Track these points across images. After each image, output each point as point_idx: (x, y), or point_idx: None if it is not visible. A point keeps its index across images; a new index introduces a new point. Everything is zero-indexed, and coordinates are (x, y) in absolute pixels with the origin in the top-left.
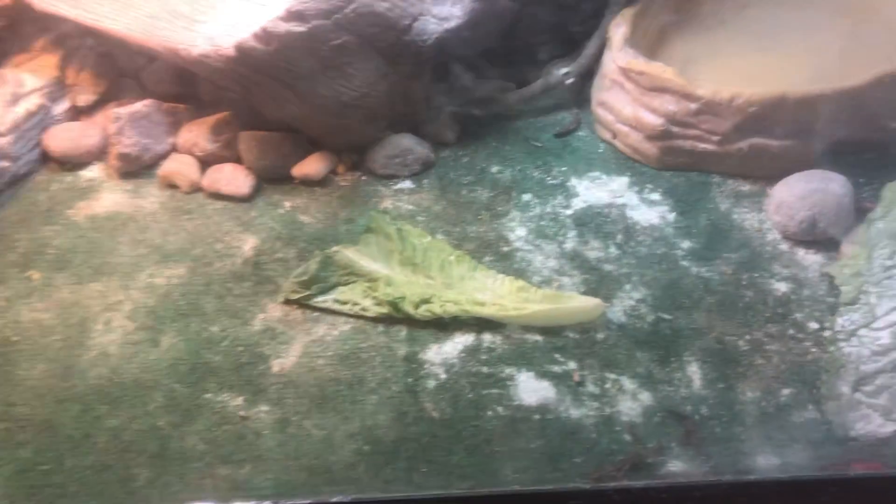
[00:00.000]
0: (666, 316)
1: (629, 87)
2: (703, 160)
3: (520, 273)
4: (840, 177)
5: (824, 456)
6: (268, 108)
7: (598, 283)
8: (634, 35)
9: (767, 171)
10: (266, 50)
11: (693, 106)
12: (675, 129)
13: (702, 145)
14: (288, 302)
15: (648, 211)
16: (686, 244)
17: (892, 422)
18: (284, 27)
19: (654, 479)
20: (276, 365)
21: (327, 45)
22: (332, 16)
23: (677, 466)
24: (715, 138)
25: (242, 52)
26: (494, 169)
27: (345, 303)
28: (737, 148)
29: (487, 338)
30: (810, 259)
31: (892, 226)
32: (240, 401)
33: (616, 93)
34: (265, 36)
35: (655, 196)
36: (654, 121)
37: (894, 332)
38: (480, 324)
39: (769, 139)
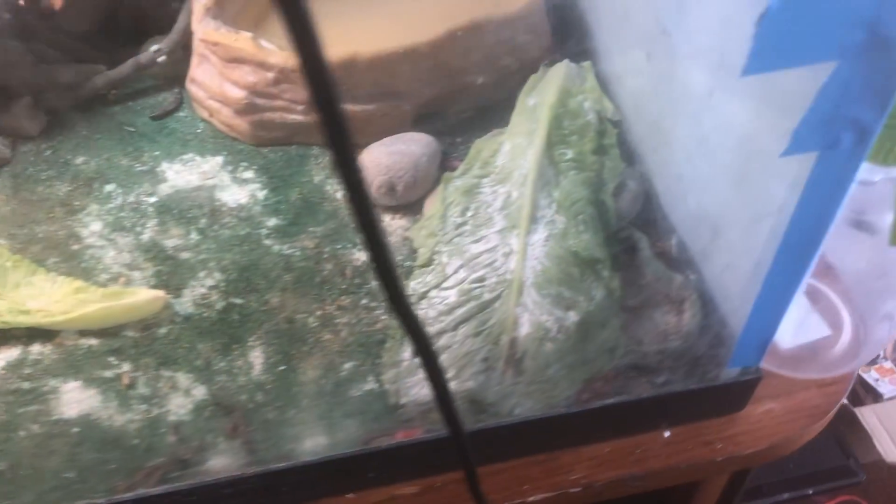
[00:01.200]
0: (237, 301)
1: (213, 59)
2: (296, 132)
3: (87, 272)
4: (427, 138)
5: (376, 428)
6: None
7: (172, 273)
8: (219, 3)
9: (361, 137)
10: None
11: (270, 75)
12: (260, 102)
13: (290, 116)
14: None
15: (239, 190)
16: (272, 222)
17: (449, 382)
18: None
19: (184, 482)
20: None
21: None
22: None
23: (219, 463)
24: (300, 108)
25: None
26: (80, 160)
27: None
28: None
29: (36, 349)
30: (396, 224)
31: (468, 182)
32: None
33: (204, 67)
34: None
35: (248, 174)
36: (237, 94)
37: (461, 290)
38: (31, 334)
39: (352, 104)
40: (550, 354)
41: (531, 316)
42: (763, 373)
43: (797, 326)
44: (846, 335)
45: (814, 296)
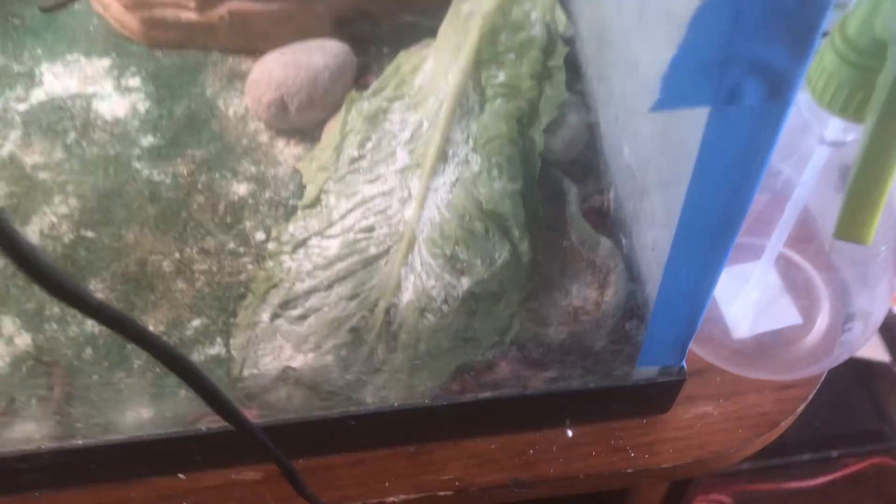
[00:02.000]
0: (89, 234)
1: None
2: (192, 34)
3: None
4: (338, 47)
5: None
6: None
7: (24, 196)
8: None
9: (265, 44)
10: None
11: None
12: None
13: (184, 14)
14: None
15: (120, 101)
16: (148, 141)
17: (302, 353)
18: None
19: None
20: None
21: None
22: None
23: (25, 430)
24: (192, 4)
25: None
26: None
27: None
28: (218, 15)
29: None
30: (288, 152)
31: (375, 105)
32: None
33: None
34: None
35: (135, 82)
36: None
37: (345, 241)
38: None
39: (252, 2)
40: (429, 330)
41: (417, 280)
42: (687, 374)
43: (760, 310)
44: (821, 325)
45: (788, 272)
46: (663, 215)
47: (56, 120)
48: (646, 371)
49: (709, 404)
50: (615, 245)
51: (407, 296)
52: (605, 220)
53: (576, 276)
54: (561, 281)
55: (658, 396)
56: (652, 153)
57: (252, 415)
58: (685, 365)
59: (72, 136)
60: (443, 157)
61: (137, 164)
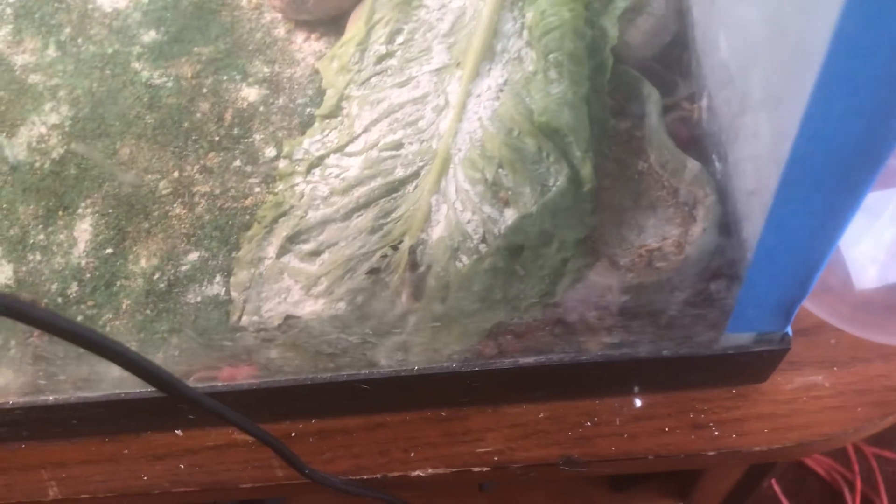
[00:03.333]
0: (80, 148)
1: None
2: None
3: None
4: None
5: (200, 358)
6: None
7: (12, 102)
8: None
9: None
10: None
11: None
12: None
13: None
14: None
15: None
16: (149, 36)
17: (315, 298)
18: None
19: None
20: None
21: None
22: None
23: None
24: None
25: None
26: None
27: None
28: None
29: None
30: (308, 49)
31: None
32: None
33: None
34: None
35: None
36: None
37: (368, 160)
38: None
39: None
40: (462, 275)
41: (450, 211)
42: (791, 342)
43: (892, 256)
44: None
45: None
46: (768, 142)
47: (51, 13)
48: (737, 337)
49: (819, 373)
50: (706, 170)
51: (437, 231)
52: (696, 137)
53: (653, 209)
54: (633, 215)
55: (752, 365)
56: (757, 50)
57: (247, 373)
58: (790, 331)
59: (66, 31)
60: (489, 53)
61: (137, 65)
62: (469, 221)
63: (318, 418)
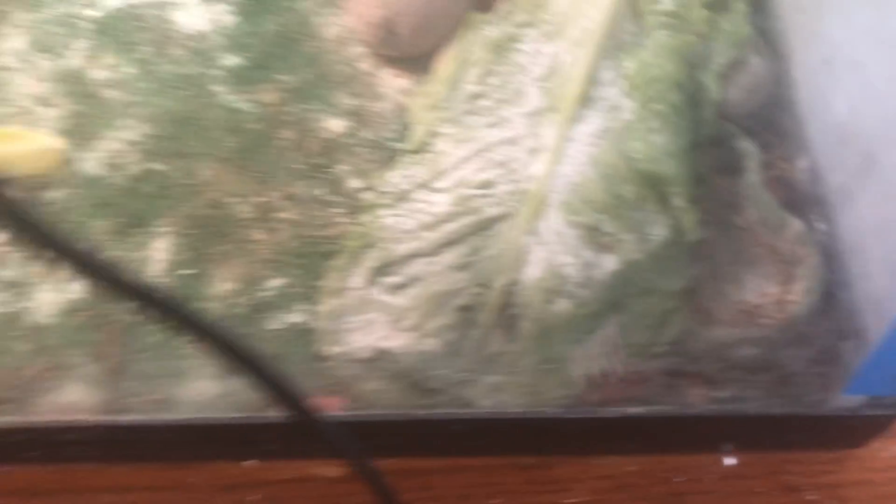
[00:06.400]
0: (158, 166)
1: None
2: None
3: None
4: None
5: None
6: None
7: (89, 116)
8: None
9: None
10: None
11: None
12: None
13: None
14: None
15: (202, 12)
16: (231, 61)
17: (403, 332)
18: None
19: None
20: None
21: None
22: None
23: (71, 395)
24: None
25: None
26: None
27: None
28: None
29: None
30: (394, 84)
31: (503, 32)
32: None
33: None
34: None
35: None
36: None
37: (458, 197)
38: None
39: None
40: (559, 319)
41: (546, 253)
42: None
43: None
44: None
45: None
46: None
47: (130, 31)
48: (849, 399)
49: None
50: (807, 227)
51: (532, 272)
52: (796, 196)
53: (751, 265)
54: (731, 269)
55: (858, 429)
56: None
57: (337, 404)
58: None
59: (145, 49)
60: (586, 99)
61: (218, 87)
62: (567, 265)
63: (398, 456)
